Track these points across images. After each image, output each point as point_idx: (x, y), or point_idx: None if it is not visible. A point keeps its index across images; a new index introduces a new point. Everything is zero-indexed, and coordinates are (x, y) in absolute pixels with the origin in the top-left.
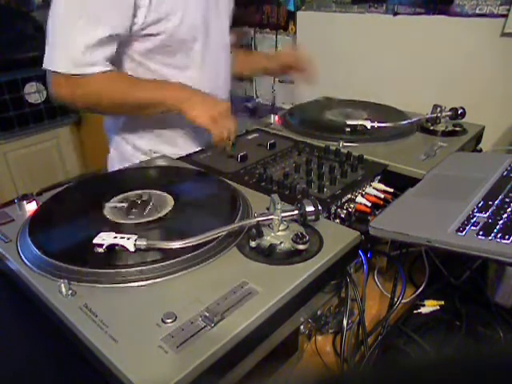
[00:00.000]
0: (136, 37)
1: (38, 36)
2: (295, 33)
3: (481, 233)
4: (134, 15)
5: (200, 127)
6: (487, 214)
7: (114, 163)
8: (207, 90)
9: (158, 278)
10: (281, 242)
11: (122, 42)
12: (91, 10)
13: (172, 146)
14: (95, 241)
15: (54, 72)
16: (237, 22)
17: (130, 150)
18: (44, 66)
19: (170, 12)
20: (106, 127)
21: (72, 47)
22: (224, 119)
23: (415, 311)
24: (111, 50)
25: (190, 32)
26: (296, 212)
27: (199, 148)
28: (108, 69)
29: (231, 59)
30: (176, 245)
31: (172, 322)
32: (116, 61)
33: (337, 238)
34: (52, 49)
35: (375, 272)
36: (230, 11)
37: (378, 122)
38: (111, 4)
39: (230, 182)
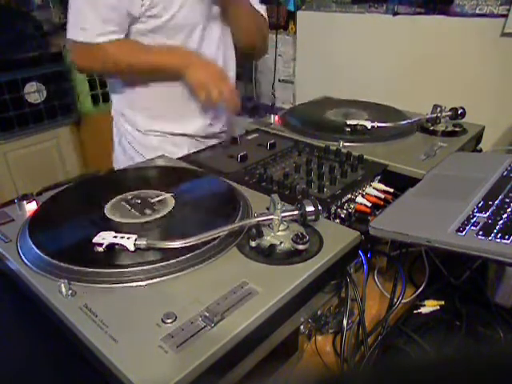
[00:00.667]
0: (141, 18)
1: (37, 36)
2: (295, 33)
3: (481, 233)
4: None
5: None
6: (487, 214)
7: (119, 155)
8: None
9: (158, 277)
10: (281, 242)
11: (129, 22)
12: None
13: (172, 122)
14: (95, 240)
15: (73, 42)
16: None
17: (130, 131)
18: (67, 36)
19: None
20: (113, 105)
21: (87, 21)
22: (216, 82)
23: (415, 311)
24: (121, 21)
25: (187, 20)
26: (296, 212)
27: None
28: (120, 37)
29: (230, 53)
30: (176, 245)
31: (172, 322)
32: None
33: (337, 238)
34: (70, 23)
35: (375, 272)
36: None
37: (378, 122)
38: None
39: (230, 181)
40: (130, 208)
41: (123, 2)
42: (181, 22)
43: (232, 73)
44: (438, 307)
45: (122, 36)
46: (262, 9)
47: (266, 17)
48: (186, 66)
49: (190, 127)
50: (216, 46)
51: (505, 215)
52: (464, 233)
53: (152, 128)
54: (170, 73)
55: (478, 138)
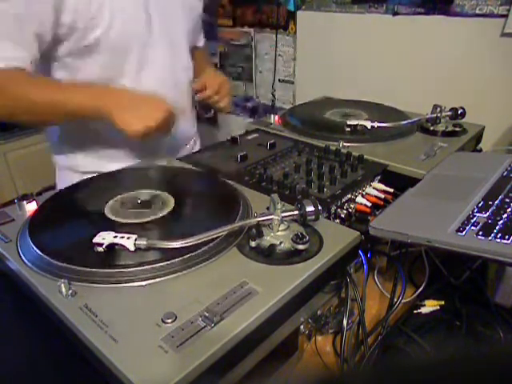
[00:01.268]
0: (65, 39)
1: None
2: (295, 33)
3: (481, 233)
4: (58, 16)
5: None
6: (487, 214)
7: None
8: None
9: (158, 277)
10: (281, 242)
11: (49, 46)
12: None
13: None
14: (95, 240)
15: None
16: (237, 22)
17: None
18: None
19: (98, 15)
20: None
21: None
22: (162, 127)
23: (415, 311)
24: (30, 47)
25: (122, 38)
26: (296, 212)
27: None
28: (22, 65)
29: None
30: (176, 244)
31: (172, 322)
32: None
33: (337, 238)
34: None
35: (375, 272)
36: (191, 19)
37: (378, 122)
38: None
39: (230, 181)
40: (130, 208)
41: (31, 19)
42: (112, 44)
43: (185, 97)
44: (438, 307)
45: (27, 65)
46: (202, 39)
47: (203, 43)
48: (110, 109)
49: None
50: (161, 69)
51: (505, 215)
52: (464, 233)
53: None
54: (89, 117)
55: (478, 137)
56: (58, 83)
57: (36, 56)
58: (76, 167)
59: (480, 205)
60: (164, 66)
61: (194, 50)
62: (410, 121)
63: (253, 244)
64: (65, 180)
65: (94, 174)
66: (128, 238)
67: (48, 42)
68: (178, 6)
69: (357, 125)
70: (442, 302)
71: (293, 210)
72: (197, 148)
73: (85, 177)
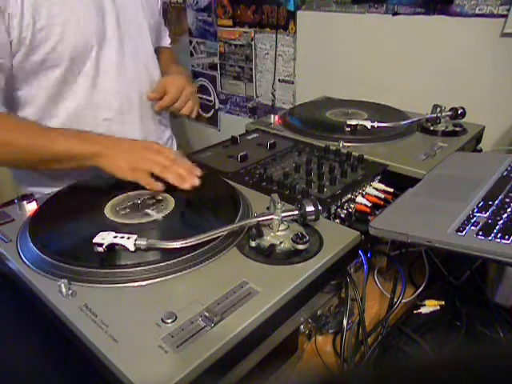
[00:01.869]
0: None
1: None
2: (295, 33)
3: (481, 233)
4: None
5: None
6: (487, 214)
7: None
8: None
9: (158, 277)
10: (281, 242)
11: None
12: None
13: None
14: (95, 240)
15: None
16: (237, 22)
17: None
18: None
19: (47, 28)
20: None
21: None
22: (143, 162)
23: (415, 311)
24: None
25: (75, 49)
26: (296, 212)
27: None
28: None
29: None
30: (176, 245)
31: (172, 321)
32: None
33: (337, 238)
34: None
35: (375, 272)
36: (151, 17)
37: (378, 122)
38: None
39: (230, 181)
40: (130, 208)
41: None
42: (65, 56)
43: (149, 102)
44: (438, 307)
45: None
46: (168, 39)
47: (170, 43)
48: (98, 154)
49: None
50: (119, 75)
51: (505, 215)
52: (464, 233)
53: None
54: (74, 163)
55: (478, 137)
56: (44, 128)
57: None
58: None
59: (480, 205)
60: (122, 72)
61: (159, 50)
62: (409, 121)
63: (253, 244)
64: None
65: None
66: (128, 238)
67: (9, 68)
68: (136, 7)
69: (357, 125)
70: (442, 302)
71: (293, 210)
72: (174, 148)
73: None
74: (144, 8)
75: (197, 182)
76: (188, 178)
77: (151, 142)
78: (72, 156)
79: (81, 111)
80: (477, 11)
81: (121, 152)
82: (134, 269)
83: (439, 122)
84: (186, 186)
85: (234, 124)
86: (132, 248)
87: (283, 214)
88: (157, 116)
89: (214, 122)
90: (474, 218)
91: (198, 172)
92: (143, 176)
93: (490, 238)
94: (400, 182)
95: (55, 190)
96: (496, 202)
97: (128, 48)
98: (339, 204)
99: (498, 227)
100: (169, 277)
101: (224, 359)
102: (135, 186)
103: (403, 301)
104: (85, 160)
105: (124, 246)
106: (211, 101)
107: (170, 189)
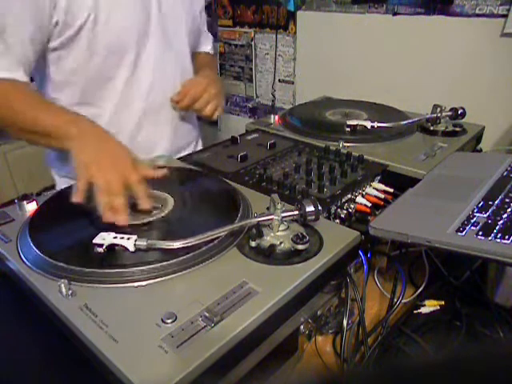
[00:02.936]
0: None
1: None
2: (295, 33)
3: (480, 233)
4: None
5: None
6: (487, 214)
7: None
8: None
9: (158, 277)
10: (281, 242)
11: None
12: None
13: None
14: (95, 241)
15: None
16: (237, 22)
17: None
18: None
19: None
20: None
21: None
22: (101, 168)
23: (415, 311)
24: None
25: (119, 36)
26: (296, 212)
27: None
28: (11, 76)
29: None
30: (176, 245)
31: (172, 322)
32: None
33: (337, 238)
34: None
35: (375, 272)
36: (191, 20)
37: (378, 122)
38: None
39: (230, 181)
40: (130, 208)
41: (28, 21)
42: (108, 42)
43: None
44: (438, 307)
45: (18, 75)
46: (209, 45)
47: (212, 50)
48: (73, 137)
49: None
50: (156, 70)
51: (505, 215)
52: (464, 233)
53: None
54: (53, 141)
55: (478, 137)
56: (41, 101)
57: (30, 63)
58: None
59: (480, 205)
60: (160, 67)
61: (199, 54)
62: (409, 121)
63: (253, 244)
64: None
65: None
66: (128, 238)
67: (43, 43)
68: (179, 7)
69: (357, 125)
70: (442, 302)
71: (293, 210)
72: (199, 146)
73: None
74: (186, 12)
75: (121, 222)
76: (116, 215)
77: (126, 161)
78: (46, 131)
79: (117, 102)
80: (477, 11)
81: (92, 144)
82: (134, 269)
83: (439, 122)
84: (106, 219)
85: (233, 124)
86: (132, 248)
87: (283, 214)
88: (187, 115)
89: (213, 122)
90: (474, 218)
91: (143, 205)
92: (84, 179)
93: (489, 238)
94: (400, 182)
95: None
96: (496, 202)
97: (167, 45)
98: (339, 204)
99: (497, 227)
100: (169, 277)
101: (224, 359)
102: None
103: (403, 301)
104: (57, 138)
105: (124, 246)
106: None
107: (170, 189)
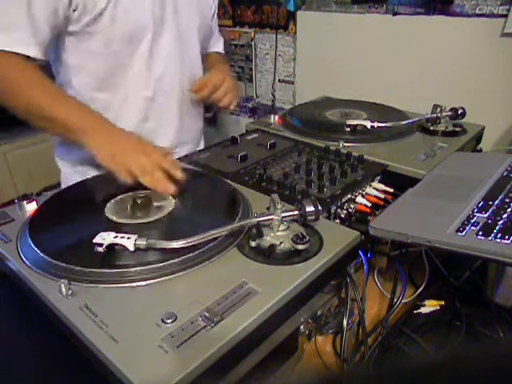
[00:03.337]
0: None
1: None
2: (295, 33)
3: (480, 233)
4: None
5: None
6: (487, 214)
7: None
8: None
9: (158, 277)
10: (281, 242)
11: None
12: None
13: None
14: (95, 240)
15: None
16: (237, 22)
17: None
18: None
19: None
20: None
21: None
22: (127, 155)
23: (415, 311)
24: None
25: (134, 25)
26: (296, 212)
27: None
28: (30, 52)
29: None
30: (176, 245)
31: (172, 322)
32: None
33: (337, 238)
34: None
35: (375, 272)
36: (202, 16)
37: (378, 122)
38: None
39: (230, 181)
40: (130, 208)
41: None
42: (125, 30)
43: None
44: (438, 307)
45: (36, 53)
46: (220, 46)
47: (223, 50)
48: (85, 131)
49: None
50: (169, 61)
51: (505, 215)
52: (464, 233)
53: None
54: (65, 133)
55: (478, 137)
56: (55, 90)
57: (45, 41)
58: (77, 171)
59: (480, 205)
60: (171, 58)
61: (210, 53)
62: (409, 121)
63: (253, 244)
64: (68, 183)
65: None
66: (128, 238)
67: (61, 23)
68: (192, 9)
69: (357, 125)
70: (442, 302)
71: (293, 210)
72: (201, 143)
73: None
74: (198, 12)
75: (171, 190)
76: (164, 185)
77: (144, 144)
78: (61, 123)
79: (128, 90)
80: (477, 11)
81: (109, 136)
82: (134, 269)
83: (439, 122)
84: (160, 190)
85: (233, 124)
86: (132, 248)
87: (283, 214)
88: (193, 107)
89: (213, 121)
90: (474, 218)
91: (179, 176)
92: (121, 169)
93: (489, 238)
94: (400, 182)
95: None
96: (496, 202)
97: (179, 38)
98: (339, 204)
99: (497, 227)
100: (169, 277)
101: (224, 359)
102: (135, 187)
103: (403, 301)
104: (69, 132)
105: (124, 246)
106: None
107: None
